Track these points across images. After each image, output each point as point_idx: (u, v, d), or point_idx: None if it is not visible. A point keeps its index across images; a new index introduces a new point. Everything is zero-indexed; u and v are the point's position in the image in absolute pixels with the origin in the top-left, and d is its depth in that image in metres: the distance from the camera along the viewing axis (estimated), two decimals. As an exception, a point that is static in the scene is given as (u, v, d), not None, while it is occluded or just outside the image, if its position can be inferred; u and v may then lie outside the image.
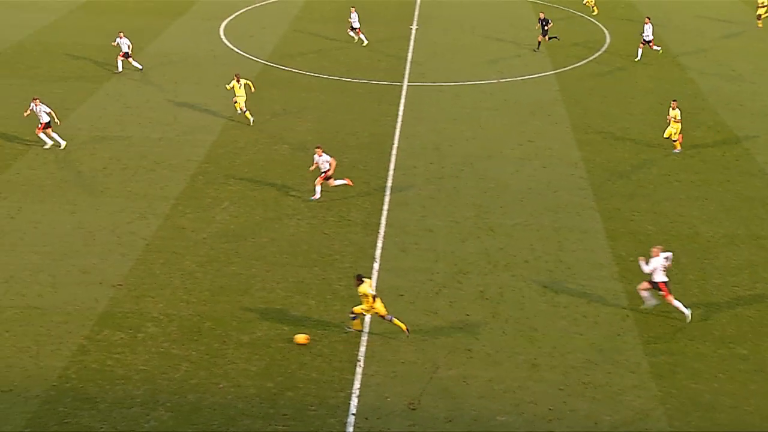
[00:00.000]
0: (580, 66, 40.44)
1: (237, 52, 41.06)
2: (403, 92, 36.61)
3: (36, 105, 29.64)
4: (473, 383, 18.73)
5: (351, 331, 20.25)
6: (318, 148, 26.79)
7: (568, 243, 24.60)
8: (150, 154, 29.77)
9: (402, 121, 33.43)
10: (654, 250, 20.88)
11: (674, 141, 30.83)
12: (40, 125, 29.80)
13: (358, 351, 19.69)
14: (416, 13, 49.21)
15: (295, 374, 18.90)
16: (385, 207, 26.51)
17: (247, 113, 32.53)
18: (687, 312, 20.90)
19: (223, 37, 43.36)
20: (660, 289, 20.76)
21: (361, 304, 19.98)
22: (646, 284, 20.90)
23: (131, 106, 34.12)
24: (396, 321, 19.96)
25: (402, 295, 21.87)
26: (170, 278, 22.40)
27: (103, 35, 42.23)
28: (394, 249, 24.11)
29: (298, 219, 25.68)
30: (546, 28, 42.25)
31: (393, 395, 18.35)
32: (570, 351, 19.85)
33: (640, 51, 41.16)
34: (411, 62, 40.50)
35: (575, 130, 32.74)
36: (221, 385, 18.40)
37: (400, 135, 32.05)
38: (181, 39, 42.54)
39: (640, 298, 21.32)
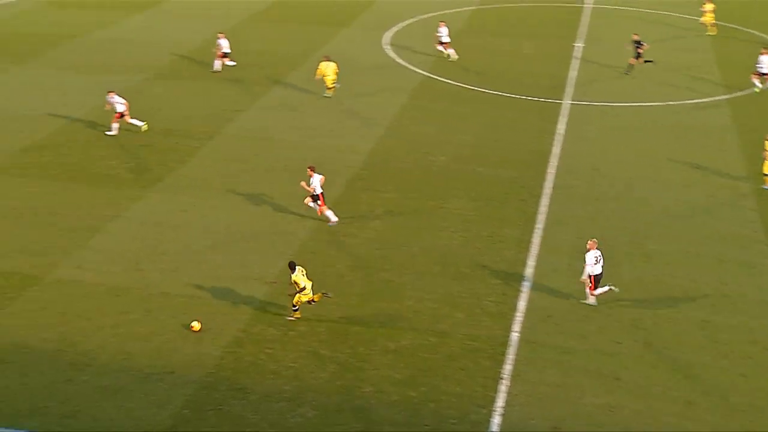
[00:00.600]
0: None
1: (399, 63, 41.73)
2: (565, 110, 36.11)
3: (111, 97, 31.91)
4: (620, 413, 18.22)
5: (291, 319, 20.73)
6: (310, 168, 25.80)
7: (732, 277, 23.51)
8: (310, 158, 30.70)
9: (561, 139, 32.98)
10: (589, 243, 21.78)
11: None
12: (116, 114, 31.79)
13: (502, 369, 19.57)
14: (582, 31, 48.40)
15: (438, 386, 18.99)
16: (540, 225, 26.21)
17: (331, 90, 35.60)
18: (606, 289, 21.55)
19: (385, 47, 44.17)
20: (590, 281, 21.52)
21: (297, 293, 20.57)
22: (586, 278, 21.57)
23: (296, 112, 35.36)
24: (315, 296, 20.73)
25: (550, 316, 21.57)
26: (322, 279, 22.99)
27: (266, 42, 43.93)
28: (546, 269, 23.81)
29: (452, 231, 25.79)
30: (639, 50, 40.48)
31: (537, 417, 18.12)
32: (732, 393, 18.95)
33: (756, 82, 38.43)
34: (573, 80, 39.89)
35: (747, 160, 31.22)
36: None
37: (558, 153, 31.63)
38: (345, 48, 43.66)
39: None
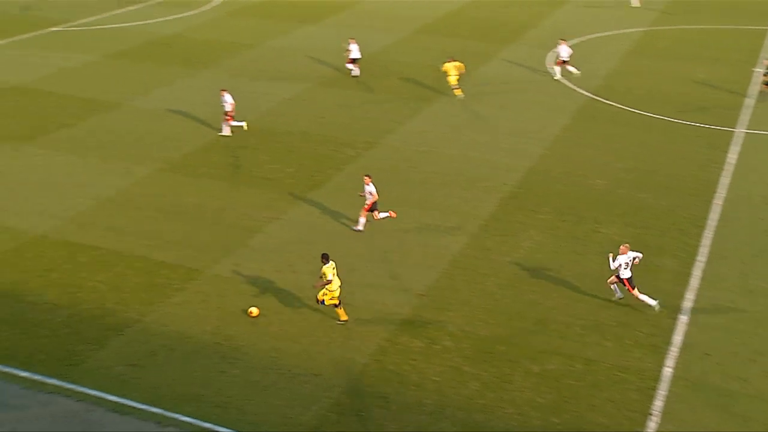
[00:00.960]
0: None
1: (562, 83, 41.11)
2: (738, 139, 34.43)
3: (223, 95, 33.20)
4: (778, 464, 17.17)
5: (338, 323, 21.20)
6: (367, 176, 26.07)
7: None
8: (467, 173, 30.77)
9: (731, 169, 31.47)
10: (622, 247, 22.15)
11: None
12: (225, 115, 33.17)
13: (652, 404, 18.86)
14: (765, 56, 45.98)
15: (583, 415, 18.53)
16: (701, 258, 25.10)
17: (458, 90, 37.72)
18: (653, 303, 22.15)
19: (549, 66, 43.64)
20: (624, 285, 22.25)
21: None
22: (614, 278, 22.50)
23: (456, 126, 35.53)
24: (340, 309, 21.19)
25: (708, 355, 20.59)
26: (471, 296, 22.98)
27: (432, 57, 44.39)
28: (705, 304, 22.77)
29: (606, 258, 25.11)
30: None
31: (686, 458, 17.37)
32: None
33: None
34: (750, 108, 37.97)
35: None
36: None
37: (727, 184, 30.21)
38: (508, 66, 43.43)
39: (611, 290, 22.55)
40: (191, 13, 53.54)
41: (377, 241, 25.84)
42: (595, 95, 39.44)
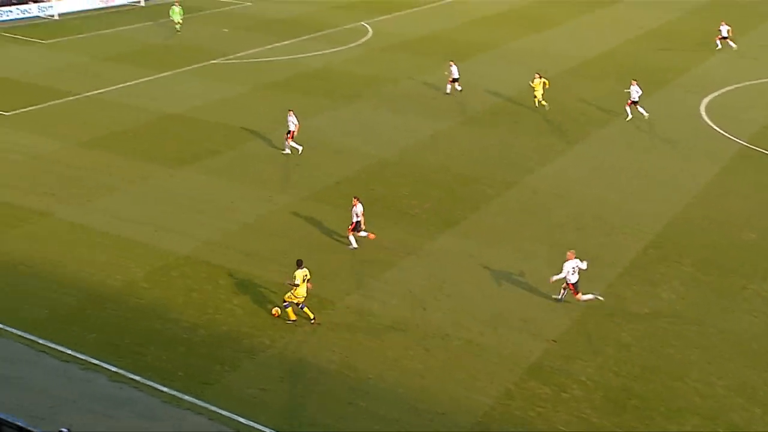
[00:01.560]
0: None
1: (715, 130, 39.60)
2: None
3: (290, 116, 35.51)
4: None
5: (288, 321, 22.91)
6: (355, 198, 27.70)
7: None
8: (606, 217, 30.07)
9: None
10: (568, 254, 23.83)
11: None
12: (287, 134, 35.37)
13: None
14: None
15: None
16: None
17: (543, 102, 40.96)
18: (591, 297, 23.92)
19: (702, 112, 42.15)
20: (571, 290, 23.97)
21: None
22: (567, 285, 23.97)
23: (598, 168, 34.84)
24: (306, 309, 23.05)
25: None
26: (604, 345, 22.35)
27: (579, 96, 43.71)
28: None
29: (755, 315, 23.89)
30: None
31: None
32: None
33: None
34: None
35: None
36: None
37: None
38: (659, 110, 42.25)
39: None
40: (341, 48, 55.09)
41: (506, 282, 25.57)
42: (751, 144, 37.75)
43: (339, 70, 49.49)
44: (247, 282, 25.48)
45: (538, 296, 24.82)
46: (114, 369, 21.12)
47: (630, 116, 40.56)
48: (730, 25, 54.69)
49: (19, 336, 22.64)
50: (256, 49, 54.34)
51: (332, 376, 20.87)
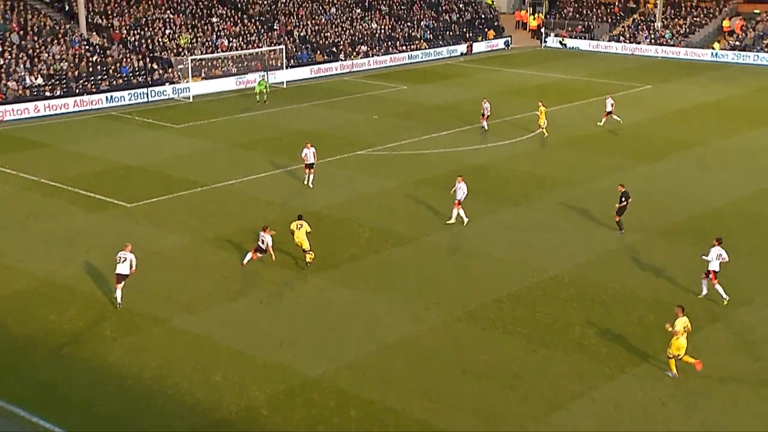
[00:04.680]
0: None
1: None
2: None
3: (308, 148, 43.80)
4: None
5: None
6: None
7: None
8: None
9: None
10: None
11: None
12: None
13: None
14: None
15: None
16: None
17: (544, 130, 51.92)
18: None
19: None
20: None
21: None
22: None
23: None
24: (309, 256, 34.11)
25: None
26: None
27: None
28: None
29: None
30: None
31: None
32: None
33: None
34: None
35: None
36: None
37: None
38: None
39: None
40: (508, 141, 54.91)
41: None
42: None
43: (503, 167, 49.15)
44: (385, 415, 24.69)
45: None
46: None
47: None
48: None
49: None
50: (409, 140, 55.00)
51: None
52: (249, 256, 34.38)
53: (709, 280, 31.62)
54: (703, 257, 31.69)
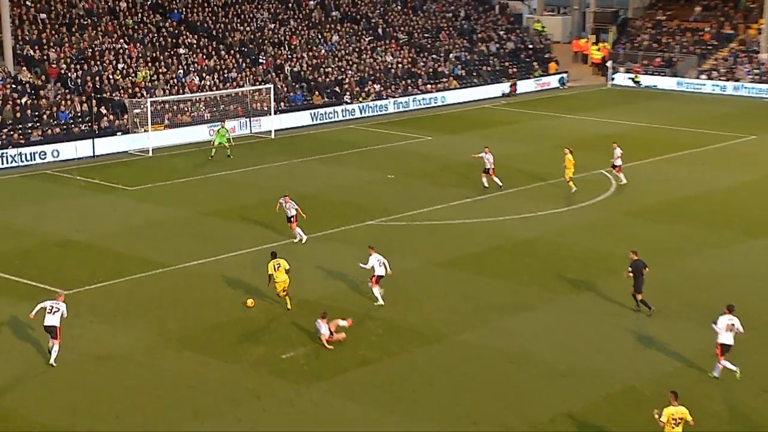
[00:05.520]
0: None
1: None
2: None
3: (286, 202, 47.44)
4: None
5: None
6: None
7: None
8: None
9: None
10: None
11: None
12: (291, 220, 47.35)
13: None
14: None
15: None
16: None
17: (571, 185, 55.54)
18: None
19: None
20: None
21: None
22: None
23: None
24: (288, 298, 39.48)
25: None
26: None
27: None
28: None
29: None
30: None
31: None
32: None
33: None
34: None
35: None
36: None
37: None
38: None
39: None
40: (565, 209, 54.85)
41: None
42: None
43: (558, 242, 48.96)
44: None
45: None
46: None
47: None
48: None
49: None
50: (433, 207, 55.02)
51: None
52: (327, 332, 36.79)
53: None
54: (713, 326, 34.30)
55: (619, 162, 59.20)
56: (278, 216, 49.31)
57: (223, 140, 66.39)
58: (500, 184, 57.97)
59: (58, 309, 34.93)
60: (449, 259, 46.54)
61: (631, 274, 39.65)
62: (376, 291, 40.53)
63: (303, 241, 47.98)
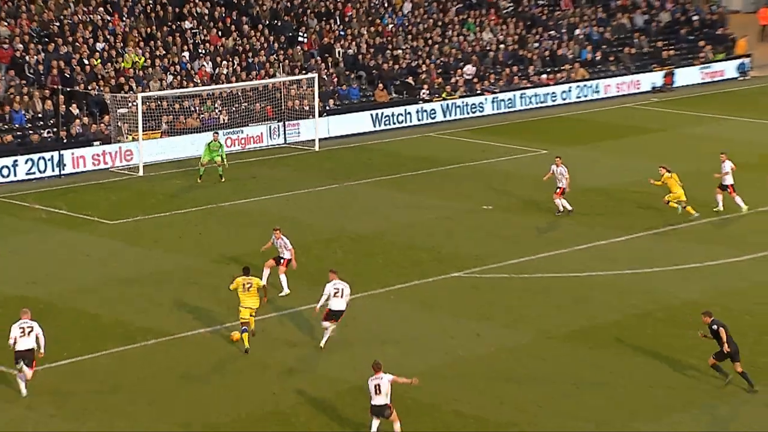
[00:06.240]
0: None
1: None
2: None
3: (277, 238, 49.70)
4: None
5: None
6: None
7: None
8: None
9: None
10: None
11: None
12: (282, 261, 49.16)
13: None
14: None
15: None
16: None
17: (688, 208, 59.45)
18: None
19: None
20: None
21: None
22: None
23: None
24: (245, 336, 42.77)
25: None
26: None
27: None
28: None
29: None
30: None
31: None
32: None
33: None
34: None
35: None
36: None
37: None
38: None
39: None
40: (744, 257, 54.64)
41: None
42: None
43: (732, 308, 48.54)
44: None
45: None
46: None
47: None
48: None
49: None
50: (550, 252, 55.05)
51: None
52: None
53: None
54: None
55: (729, 180, 59.58)
56: (320, 258, 49.74)
57: (215, 157, 66.56)
58: (569, 209, 59.36)
59: (31, 328, 37.44)
60: (574, 330, 46.37)
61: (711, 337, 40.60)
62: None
63: (283, 294, 49.00)
